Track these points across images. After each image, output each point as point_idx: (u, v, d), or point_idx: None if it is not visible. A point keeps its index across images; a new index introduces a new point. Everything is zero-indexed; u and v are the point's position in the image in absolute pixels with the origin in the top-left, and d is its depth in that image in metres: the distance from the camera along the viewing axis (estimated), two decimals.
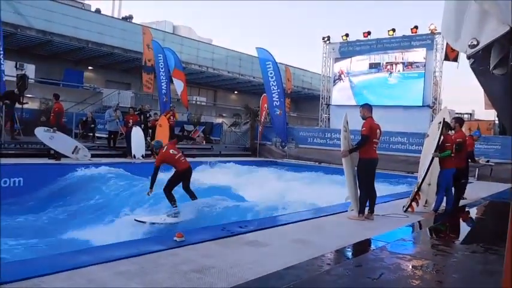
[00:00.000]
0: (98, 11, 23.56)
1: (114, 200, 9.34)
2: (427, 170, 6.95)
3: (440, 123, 6.90)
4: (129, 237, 5.92)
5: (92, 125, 14.29)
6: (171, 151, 7.80)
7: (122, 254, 3.87)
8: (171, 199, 7.64)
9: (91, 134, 14.81)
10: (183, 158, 7.91)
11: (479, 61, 1.66)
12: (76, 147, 11.22)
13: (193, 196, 7.91)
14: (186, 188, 7.92)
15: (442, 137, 6.92)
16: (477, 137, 9.58)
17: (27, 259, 4.47)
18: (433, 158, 6.85)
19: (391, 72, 18.66)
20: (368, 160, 6.19)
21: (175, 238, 4.40)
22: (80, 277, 3.25)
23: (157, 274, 3.41)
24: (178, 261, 3.78)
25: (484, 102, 17.17)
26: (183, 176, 7.79)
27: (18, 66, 18.88)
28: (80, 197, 9.67)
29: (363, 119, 6.32)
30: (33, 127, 12.23)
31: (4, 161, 9.96)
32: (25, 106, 13.83)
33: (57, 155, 11.42)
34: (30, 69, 19.27)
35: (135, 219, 7.53)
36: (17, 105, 12.91)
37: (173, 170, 7.89)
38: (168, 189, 7.64)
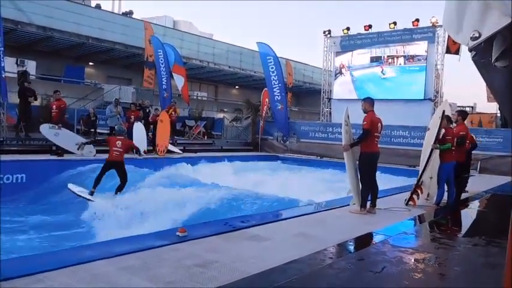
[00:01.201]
0: (98, 6, 23.48)
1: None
2: (426, 162, 6.96)
3: (440, 117, 6.90)
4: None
5: (93, 118, 14.30)
6: (117, 143, 8.72)
7: (125, 249, 3.89)
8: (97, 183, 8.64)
9: (92, 130, 14.83)
10: (117, 152, 8.69)
11: (481, 54, 1.66)
12: (81, 143, 11.30)
13: (117, 189, 8.67)
14: (120, 178, 8.76)
15: (443, 130, 6.93)
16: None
17: (31, 255, 4.51)
18: (432, 150, 6.86)
19: (383, 68, 18.77)
20: (369, 154, 6.19)
21: (178, 233, 4.41)
22: (83, 272, 3.27)
23: (160, 269, 3.43)
24: (181, 256, 3.80)
25: (486, 95, 17.14)
26: (109, 166, 8.71)
27: (19, 63, 18.87)
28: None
29: (365, 112, 6.31)
30: (35, 124, 12.28)
31: (6, 157, 10.01)
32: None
33: (61, 151, 11.46)
34: (31, 66, 19.27)
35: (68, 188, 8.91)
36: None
37: None
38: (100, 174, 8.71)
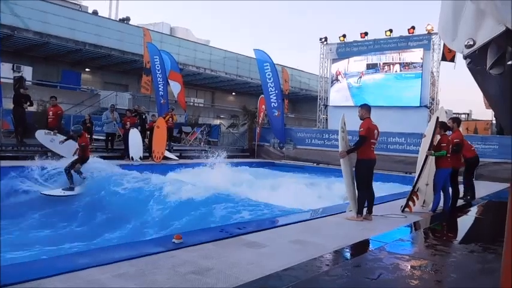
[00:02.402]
0: (95, 12, 23.55)
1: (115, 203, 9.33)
2: (421, 169, 6.98)
3: (437, 118, 6.95)
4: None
5: (89, 124, 14.24)
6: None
7: (120, 256, 3.86)
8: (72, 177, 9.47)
9: (88, 136, 14.78)
10: None
11: (475, 61, 1.67)
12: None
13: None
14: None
15: (438, 136, 6.96)
16: None
17: (26, 261, 4.47)
18: (427, 157, 6.88)
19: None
20: (366, 161, 6.19)
21: (173, 240, 4.39)
22: (78, 279, 3.25)
23: (156, 276, 3.41)
24: (177, 263, 3.78)
25: (484, 101, 17.22)
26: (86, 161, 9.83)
27: (15, 68, 18.84)
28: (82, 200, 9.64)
29: (361, 119, 6.32)
30: (31, 130, 12.23)
31: (2, 163, 9.94)
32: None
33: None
34: (27, 71, 19.27)
35: (41, 193, 9.10)
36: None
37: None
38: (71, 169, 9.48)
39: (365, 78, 19.26)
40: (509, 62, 1.56)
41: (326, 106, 20.90)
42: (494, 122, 22.39)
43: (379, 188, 7.87)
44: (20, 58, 19.95)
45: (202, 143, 19.27)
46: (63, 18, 19.37)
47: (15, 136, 12.56)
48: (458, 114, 32.59)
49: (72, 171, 9.51)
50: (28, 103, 12.39)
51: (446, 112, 8.61)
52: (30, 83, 18.13)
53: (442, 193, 7.15)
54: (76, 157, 9.92)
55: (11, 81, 14.64)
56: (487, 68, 1.57)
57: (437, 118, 7.01)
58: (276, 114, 18.38)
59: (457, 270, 4.20)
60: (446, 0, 1.71)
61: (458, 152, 7.63)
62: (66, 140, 10.79)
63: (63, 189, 9.32)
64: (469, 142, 9.30)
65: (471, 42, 1.56)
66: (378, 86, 18.81)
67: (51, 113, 11.96)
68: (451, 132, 7.56)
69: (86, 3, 25.61)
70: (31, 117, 13.78)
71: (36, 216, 8.55)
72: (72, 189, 9.37)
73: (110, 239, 7.12)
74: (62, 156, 11.25)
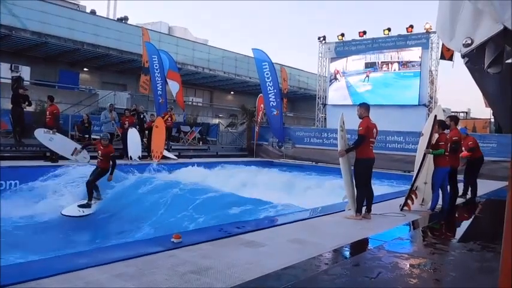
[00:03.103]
0: (93, 12, 23.47)
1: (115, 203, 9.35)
2: (419, 167, 6.99)
3: (435, 117, 6.96)
4: None
5: (86, 125, 14.21)
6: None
7: (119, 256, 3.86)
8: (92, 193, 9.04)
9: (87, 136, 14.75)
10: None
11: (473, 60, 1.67)
12: (75, 148, 11.28)
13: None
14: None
15: (436, 135, 6.96)
16: (465, 135, 9.58)
17: (24, 262, 4.47)
18: (425, 155, 6.89)
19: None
20: (365, 159, 6.20)
21: (172, 239, 4.39)
22: (77, 279, 3.24)
23: (154, 276, 3.40)
24: (176, 262, 3.78)
25: (483, 100, 17.24)
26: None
27: (13, 68, 18.77)
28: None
29: (360, 118, 6.32)
30: (29, 130, 12.20)
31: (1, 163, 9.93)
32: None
33: (55, 157, 11.40)
34: (25, 71, 19.17)
35: (61, 213, 8.58)
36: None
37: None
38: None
39: (363, 77, 19.25)
40: (507, 61, 1.56)
41: (325, 105, 20.90)
42: (492, 120, 22.44)
43: (378, 187, 7.88)
44: (18, 58, 19.88)
45: (200, 142, 19.26)
46: (61, 18, 19.30)
47: (13, 136, 12.53)
48: (457, 112, 32.64)
49: (93, 186, 9.03)
50: (26, 103, 12.36)
51: (444, 111, 8.63)
52: (28, 82, 18.05)
53: (440, 191, 7.17)
54: (97, 169, 9.23)
55: (9, 81, 14.58)
56: (485, 66, 1.57)
57: (435, 116, 7.02)
58: (275, 113, 18.38)
59: (455, 268, 4.20)
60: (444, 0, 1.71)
61: (457, 151, 7.64)
62: (84, 147, 11.12)
63: (79, 207, 8.81)
64: (477, 140, 9.33)
65: (469, 41, 1.56)
66: (377, 85, 18.81)
67: (47, 112, 11.95)
68: (448, 130, 7.56)
69: (84, 2, 25.59)
70: (29, 117, 13.74)
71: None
72: (89, 206, 8.90)
73: None
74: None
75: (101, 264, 3.61)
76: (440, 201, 7.19)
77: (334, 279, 3.59)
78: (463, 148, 8.65)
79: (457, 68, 16.56)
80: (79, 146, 11.47)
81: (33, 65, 20.51)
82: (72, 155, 11.28)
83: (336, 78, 20.14)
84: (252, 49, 19.04)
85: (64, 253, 5.18)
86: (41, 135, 11.26)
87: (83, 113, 16.62)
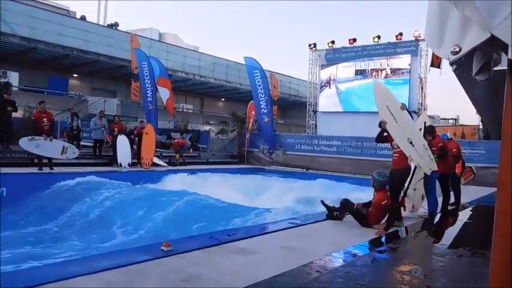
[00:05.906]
0: (83, 18, 23.38)
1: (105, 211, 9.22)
2: (412, 174, 7.03)
3: (421, 129, 7.03)
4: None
5: (75, 132, 14.04)
6: None
7: (108, 264, 3.80)
8: None
9: (75, 143, 14.59)
10: None
11: (461, 67, 1.70)
12: (63, 147, 11.17)
13: None
14: None
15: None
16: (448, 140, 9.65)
17: (11, 271, 4.38)
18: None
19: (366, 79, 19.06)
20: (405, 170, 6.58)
21: (162, 247, 4.34)
22: None
23: (144, 284, 3.36)
24: (166, 270, 3.74)
25: (474, 106, 17.45)
26: None
27: (1, 74, 18.59)
28: (69, 207, 9.49)
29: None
30: (17, 136, 12.00)
31: None
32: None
33: (40, 164, 11.18)
34: (13, 77, 19.00)
35: None
36: None
37: None
38: None
39: (354, 84, 19.38)
40: (495, 68, 1.58)
41: (315, 112, 21.00)
42: (481, 127, 22.71)
43: (368, 193, 7.90)
44: (6, 63, 19.66)
45: (191, 150, 19.13)
46: (50, 24, 19.21)
47: (0, 142, 12.32)
48: (446, 119, 33.01)
49: None
50: (12, 108, 12.03)
51: (433, 118, 8.72)
52: (16, 88, 17.90)
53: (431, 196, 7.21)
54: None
55: None
56: (473, 74, 1.59)
57: (425, 123, 7.09)
58: (266, 120, 18.42)
59: (446, 274, 4.22)
60: (432, 8, 1.73)
61: (446, 156, 7.69)
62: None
63: None
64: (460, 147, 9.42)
65: (457, 49, 1.58)
66: (367, 92, 18.94)
67: (45, 119, 11.35)
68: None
69: (74, 8, 25.42)
70: (18, 123, 13.53)
71: None
72: None
73: None
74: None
75: (90, 273, 3.55)
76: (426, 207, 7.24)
77: (326, 287, 3.58)
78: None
79: (446, 76, 16.77)
80: (66, 144, 11.36)
81: (22, 71, 20.32)
82: (61, 154, 11.13)
83: (328, 85, 20.24)
84: (244, 57, 19.15)
85: (53, 262, 5.10)
86: (26, 143, 10.89)
87: (72, 120, 16.41)
